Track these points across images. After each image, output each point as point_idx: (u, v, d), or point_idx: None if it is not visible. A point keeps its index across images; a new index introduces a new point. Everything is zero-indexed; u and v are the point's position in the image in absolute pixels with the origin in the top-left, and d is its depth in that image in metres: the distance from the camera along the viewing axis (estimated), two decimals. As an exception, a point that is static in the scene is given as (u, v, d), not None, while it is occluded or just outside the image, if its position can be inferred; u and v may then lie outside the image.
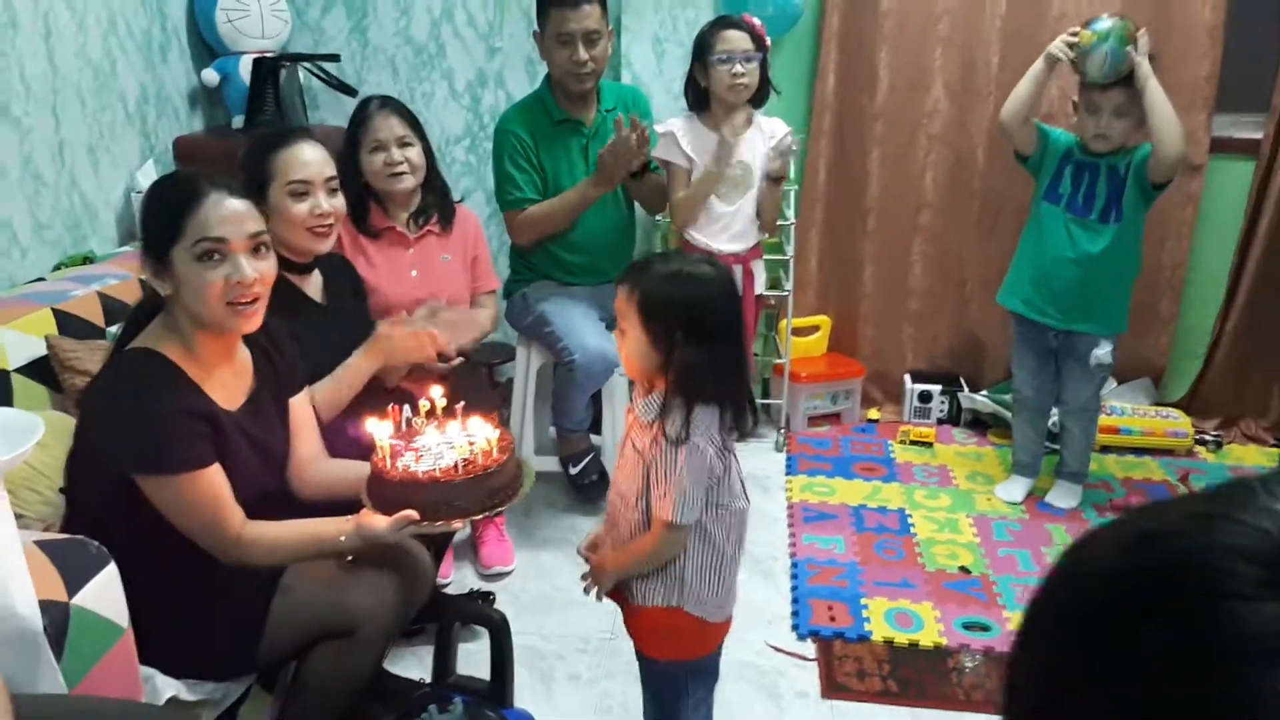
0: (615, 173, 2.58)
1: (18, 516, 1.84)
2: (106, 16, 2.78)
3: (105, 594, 1.34)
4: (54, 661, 1.22)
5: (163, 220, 1.57)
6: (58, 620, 1.24)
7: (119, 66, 2.85)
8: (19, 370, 2.08)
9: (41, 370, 2.13)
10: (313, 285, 2.16)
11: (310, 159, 2.05)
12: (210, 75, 3.19)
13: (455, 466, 1.56)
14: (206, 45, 3.26)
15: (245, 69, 3.13)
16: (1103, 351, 2.75)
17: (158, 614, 1.58)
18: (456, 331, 2.28)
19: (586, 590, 1.65)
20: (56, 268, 2.54)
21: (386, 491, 1.57)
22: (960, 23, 3.27)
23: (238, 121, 3.18)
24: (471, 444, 1.60)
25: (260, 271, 1.61)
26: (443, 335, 2.18)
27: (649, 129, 2.63)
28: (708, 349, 1.48)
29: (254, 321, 1.64)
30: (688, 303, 1.48)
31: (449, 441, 1.63)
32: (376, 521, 1.58)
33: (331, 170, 2.08)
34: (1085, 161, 2.72)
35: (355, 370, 2.07)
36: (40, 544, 1.31)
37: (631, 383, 1.66)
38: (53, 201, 2.55)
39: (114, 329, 2.09)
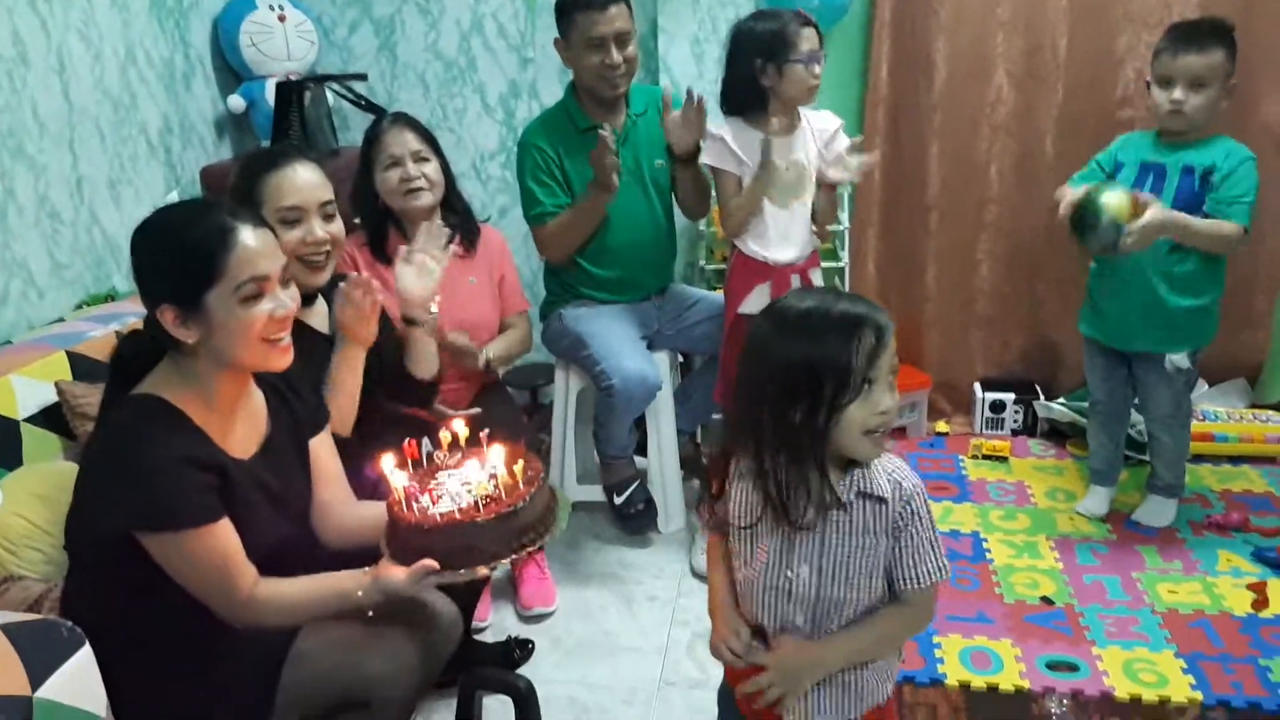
0: (605, 175, 2.39)
1: (18, 578, 1.75)
2: (124, 47, 2.71)
3: (77, 681, 1.22)
4: (13, 766, 1.10)
5: (191, 264, 1.42)
6: (17, 718, 1.12)
7: (140, 97, 2.77)
8: (29, 419, 2.00)
9: (53, 418, 2.04)
10: (316, 315, 2.01)
11: (303, 183, 1.89)
12: (236, 101, 3.11)
13: (476, 505, 1.39)
14: (232, 70, 3.19)
15: (271, 93, 3.05)
16: (1179, 357, 2.47)
17: (153, 687, 1.45)
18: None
19: (759, 703, 1.33)
20: (78, 307, 2.46)
21: (402, 538, 1.42)
22: (1023, 5, 3.03)
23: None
24: (494, 477, 1.44)
25: (296, 301, 1.53)
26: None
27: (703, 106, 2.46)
28: None
29: (289, 357, 1.53)
30: None
31: (468, 477, 1.47)
32: (395, 573, 1.43)
33: (328, 194, 1.93)
34: (1151, 163, 2.44)
35: (340, 371, 1.91)
36: (5, 628, 1.18)
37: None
38: (71, 240, 2.48)
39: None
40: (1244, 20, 2.78)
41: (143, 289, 1.47)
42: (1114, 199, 2.28)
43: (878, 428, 1.23)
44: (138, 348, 1.51)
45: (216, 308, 1.42)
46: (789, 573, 1.30)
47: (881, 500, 1.26)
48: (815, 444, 1.22)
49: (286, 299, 1.49)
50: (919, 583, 1.28)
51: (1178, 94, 2.33)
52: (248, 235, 1.44)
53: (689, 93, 2.44)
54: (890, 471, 1.28)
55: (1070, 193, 2.43)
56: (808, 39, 2.34)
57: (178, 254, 1.42)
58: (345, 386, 1.93)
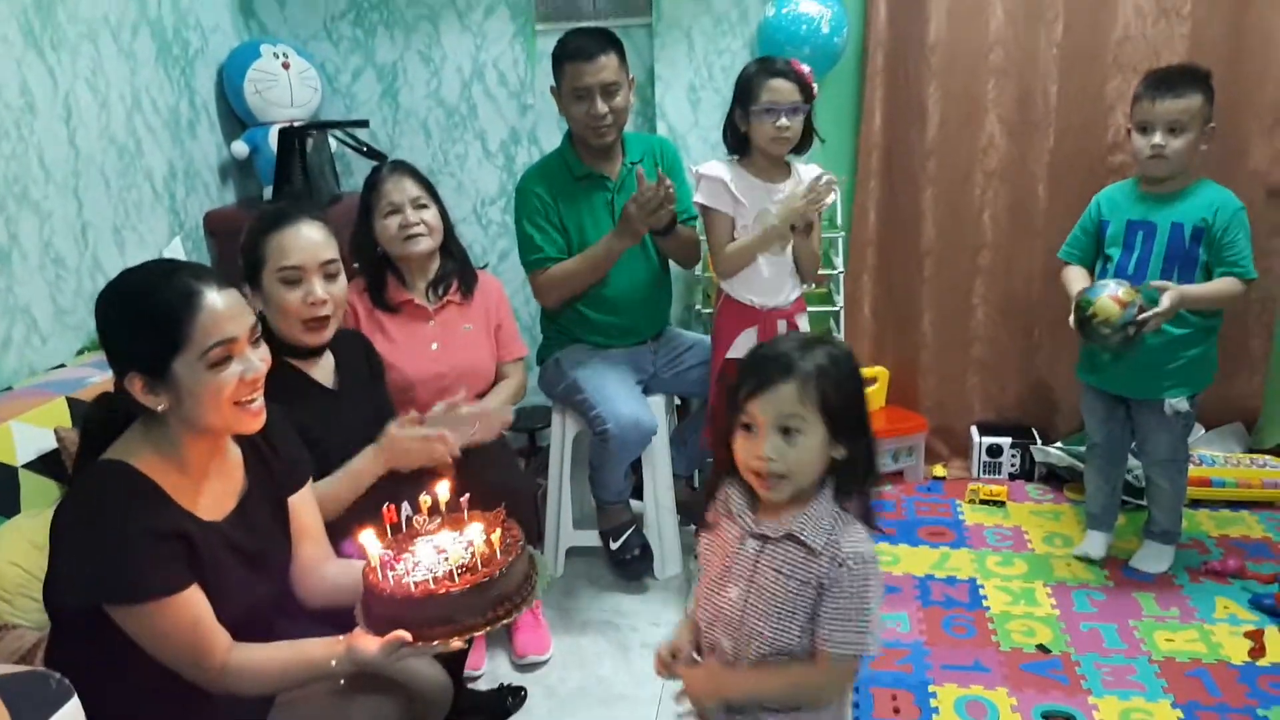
0: (639, 225, 2.44)
1: (12, 626, 1.75)
2: (131, 95, 2.76)
3: (65, 734, 1.22)
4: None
5: (156, 333, 1.39)
6: (5, 771, 1.12)
7: (145, 144, 2.81)
8: (27, 466, 2.00)
9: (52, 464, 2.05)
10: (322, 369, 2.01)
11: (305, 243, 1.89)
12: (240, 147, 3.16)
13: (451, 575, 1.39)
14: (236, 117, 3.24)
15: (274, 139, 3.09)
16: (1178, 400, 2.48)
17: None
18: (478, 429, 2.08)
19: (683, 714, 1.45)
20: (80, 353, 2.49)
21: (378, 608, 1.41)
22: (1014, 51, 3.08)
23: (269, 192, 3.13)
24: (470, 547, 1.44)
25: (266, 361, 1.50)
26: (457, 436, 1.98)
27: (676, 184, 2.48)
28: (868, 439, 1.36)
29: (261, 419, 1.51)
30: (861, 388, 1.37)
31: (444, 547, 1.46)
32: (367, 644, 1.41)
33: (330, 253, 1.93)
34: (1139, 222, 2.47)
35: (361, 473, 1.90)
36: (-6, 681, 1.19)
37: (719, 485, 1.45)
38: (75, 285, 2.51)
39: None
40: (1231, 68, 2.85)
41: (109, 357, 1.45)
42: (1100, 306, 2.35)
43: (758, 471, 1.32)
44: (108, 412, 1.49)
45: (184, 375, 1.39)
46: (723, 592, 1.40)
47: (810, 550, 1.32)
48: (728, 457, 1.36)
49: (256, 360, 1.46)
50: (830, 646, 1.32)
51: (1158, 139, 2.38)
52: (213, 298, 1.40)
53: (659, 177, 2.40)
54: (838, 531, 1.33)
55: (1068, 281, 2.58)
56: (773, 90, 2.36)
57: (142, 323, 1.39)
58: (355, 489, 1.89)
